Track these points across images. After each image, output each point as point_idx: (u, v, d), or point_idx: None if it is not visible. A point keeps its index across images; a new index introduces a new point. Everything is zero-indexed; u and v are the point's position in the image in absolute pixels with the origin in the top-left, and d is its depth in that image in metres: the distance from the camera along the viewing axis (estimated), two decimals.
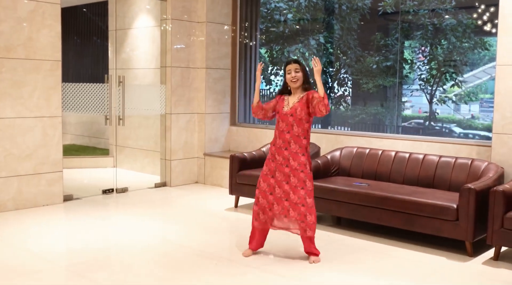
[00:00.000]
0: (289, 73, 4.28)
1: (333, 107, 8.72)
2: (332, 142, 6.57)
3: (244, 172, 6.11)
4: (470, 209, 4.43)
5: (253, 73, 7.94)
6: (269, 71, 9.34)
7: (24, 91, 5.84)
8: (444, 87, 8.06)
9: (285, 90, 4.40)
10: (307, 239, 4.32)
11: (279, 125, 4.30)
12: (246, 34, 7.81)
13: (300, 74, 4.27)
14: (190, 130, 7.61)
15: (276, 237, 4.86)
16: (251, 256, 4.43)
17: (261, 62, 4.46)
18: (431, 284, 4.00)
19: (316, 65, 4.15)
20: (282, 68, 4.39)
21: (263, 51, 9.35)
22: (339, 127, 8.48)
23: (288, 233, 4.77)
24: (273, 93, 9.41)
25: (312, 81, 4.61)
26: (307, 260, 4.36)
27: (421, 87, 8.24)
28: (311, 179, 4.28)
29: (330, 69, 8.66)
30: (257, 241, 4.48)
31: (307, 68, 4.41)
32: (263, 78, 9.28)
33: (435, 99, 8.10)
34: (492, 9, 6.74)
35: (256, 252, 4.51)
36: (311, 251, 4.36)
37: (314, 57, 4.21)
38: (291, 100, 4.30)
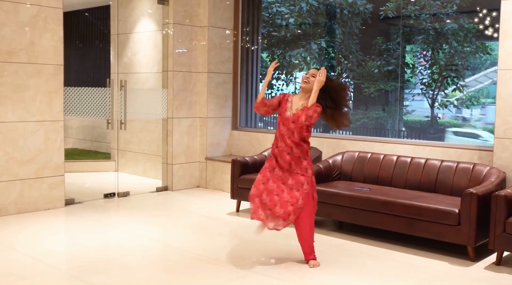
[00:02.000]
0: (306, 73, 4.31)
1: None
2: (333, 147, 6.57)
3: (245, 177, 6.11)
4: (472, 214, 4.43)
5: (255, 78, 7.95)
6: (272, 73, 9.34)
7: (26, 95, 5.86)
8: (446, 91, 8.07)
9: None
10: (304, 243, 4.32)
11: (281, 128, 4.29)
12: (247, 38, 7.82)
13: (314, 79, 4.23)
14: (192, 134, 7.62)
15: (276, 241, 4.85)
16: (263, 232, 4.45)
17: (276, 60, 4.47)
18: None
19: (320, 75, 4.12)
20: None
21: (264, 55, 9.36)
22: (340, 132, 8.47)
23: (288, 235, 4.77)
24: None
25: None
26: (308, 264, 4.35)
27: (423, 91, 8.24)
28: (310, 183, 4.27)
29: (332, 74, 8.66)
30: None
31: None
32: None
33: (436, 104, 8.10)
34: (493, 14, 6.75)
35: (257, 256, 4.49)
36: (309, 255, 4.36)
37: (323, 68, 4.17)
38: (295, 105, 4.27)
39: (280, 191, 4.25)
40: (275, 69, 9.53)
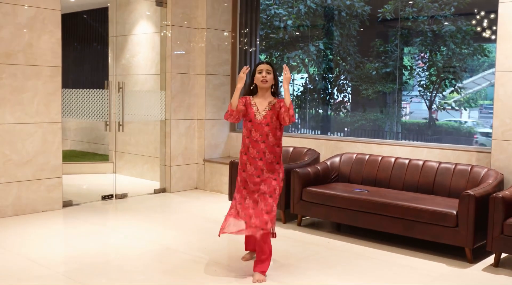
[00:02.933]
0: (259, 73, 4.10)
1: (332, 113, 8.73)
2: (331, 148, 6.57)
3: None
4: (470, 216, 4.43)
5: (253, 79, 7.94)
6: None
7: (24, 97, 5.85)
8: (444, 93, 8.08)
9: (249, 92, 4.21)
10: (260, 243, 4.07)
11: (252, 134, 4.08)
12: (246, 40, 7.83)
13: (271, 76, 4.10)
14: (190, 136, 7.61)
15: (274, 243, 4.84)
16: (250, 260, 4.40)
17: (247, 66, 4.35)
18: None
19: (286, 73, 4.01)
20: (252, 69, 4.24)
21: (262, 57, 9.37)
22: (338, 133, 8.48)
23: (286, 237, 4.76)
24: None
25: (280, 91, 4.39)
26: (306, 266, 4.35)
27: (421, 93, 8.25)
28: (281, 188, 4.15)
29: (330, 75, 8.67)
30: (249, 242, 4.43)
31: (277, 73, 4.25)
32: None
33: (434, 106, 8.11)
34: (491, 16, 6.76)
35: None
36: (259, 266, 4.10)
37: (285, 65, 4.09)
38: (261, 106, 4.10)
39: (255, 204, 4.06)
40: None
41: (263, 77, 4.09)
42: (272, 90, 4.16)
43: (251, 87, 4.20)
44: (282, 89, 4.10)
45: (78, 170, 8.59)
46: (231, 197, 6.23)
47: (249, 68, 4.20)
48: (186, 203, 6.84)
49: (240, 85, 4.10)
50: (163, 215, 6.38)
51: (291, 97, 7.19)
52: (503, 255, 4.55)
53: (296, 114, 8.42)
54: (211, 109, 7.62)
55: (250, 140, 4.09)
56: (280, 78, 4.30)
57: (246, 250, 4.50)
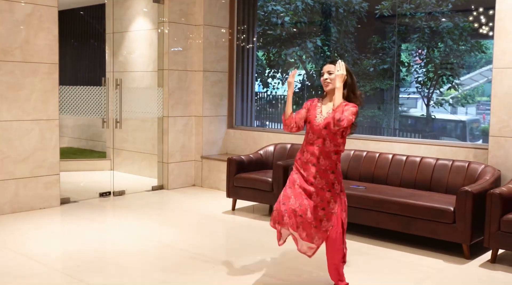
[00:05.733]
0: (322, 75, 3.75)
1: None
2: None
3: (241, 175, 6.11)
4: (467, 212, 4.44)
5: (250, 76, 7.95)
6: (266, 74, 9.35)
7: (21, 94, 5.84)
8: (441, 89, 8.08)
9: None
10: (332, 268, 3.79)
11: (309, 136, 3.75)
12: (243, 37, 7.82)
13: (334, 76, 3.69)
14: (188, 133, 7.61)
15: (273, 240, 4.85)
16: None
17: (295, 68, 4.02)
18: None
19: (338, 70, 3.61)
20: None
21: (260, 54, 9.36)
22: None
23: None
24: (270, 96, 9.43)
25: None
26: (304, 262, 4.35)
27: (418, 90, 8.26)
28: (338, 201, 3.71)
29: None
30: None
31: (350, 70, 3.75)
32: (261, 80, 9.29)
33: (432, 102, 8.12)
34: (488, 12, 6.76)
35: (253, 254, 4.50)
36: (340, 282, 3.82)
37: (340, 61, 3.65)
38: (325, 108, 3.73)
39: (305, 211, 3.66)
40: (269, 67, 9.57)
41: (324, 79, 3.73)
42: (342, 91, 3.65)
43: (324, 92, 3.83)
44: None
45: (76, 167, 8.58)
46: (229, 194, 6.23)
47: (296, 71, 3.86)
48: (183, 200, 6.85)
49: (290, 92, 3.79)
50: (160, 212, 6.38)
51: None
52: (500, 251, 4.56)
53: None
54: (209, 106, 7.62)
55: (306, 143, 3.76)
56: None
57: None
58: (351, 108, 3.57)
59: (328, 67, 3.73)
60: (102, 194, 6.90)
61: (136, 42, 8.30)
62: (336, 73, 3.62)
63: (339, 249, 3.71)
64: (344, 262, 3.80)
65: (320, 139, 3.68)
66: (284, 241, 3.84)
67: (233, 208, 6.28)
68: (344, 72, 3.60)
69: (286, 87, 9.85)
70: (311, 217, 3.66)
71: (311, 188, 3.70)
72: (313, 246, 3.75)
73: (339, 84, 3.59)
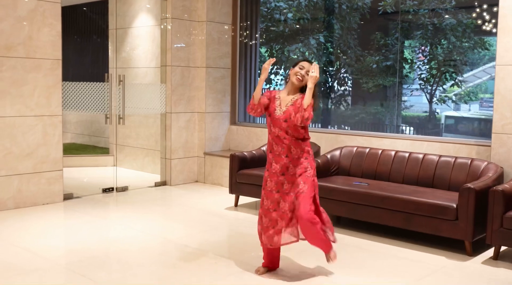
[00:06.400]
0: (300, 68, 3.85)
1: (332, 106, 8.73)
2: (332, 142, 6.57)
3: (244, 171, 6.12)
4: (470, 209, 4.44)
5: (253, 72, 7.95)
6: (269, 70, 9.34)
7: (24, 90, 5.85)
8: (444, 86, 8.07)
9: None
10: (312, 239, 3.90)
11: (272, 129, 3.88)
12: (246, 33, 7.81)
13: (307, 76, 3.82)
14: (190, 129, 7.62)
15: None
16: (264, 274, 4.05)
17: (274, 57, 4.14)
18: (431, 283, 4.00)
19: (313, 71, 3.73)
20: (294, 62, 3.98)
21: (263, 50, 9.35)
22: (339, 127, 8.48)
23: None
24: None
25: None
26: (305, 258, 4.36)
27: (421, 86, 8.25)
28: (309, 183, 3.84)
29: (330, 69, 8.66)
30: (268, 259, 4.07)
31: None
32: None
33: (435, 99, 8.11)
34: (492, 9, 6.74)
35: (255, 250, 4.51)
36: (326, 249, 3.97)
37: (315, 64, 3.80)
38: (284, 101, 3.88)
39: (276, 205, 3.87)
40: (272, 64, 9.53)
41: (301, 75, 3.84)
42: (303, 90, 3.85)
43: (286, 79, 3.98)
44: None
45: (79, 163, 8.60)
46: (231, 190, 6.24)
47: (274, 59, 4.00)
48: (186, 196, 6.86)
49: (263, 76, 3.85)
50: (163, 208, 6.40)
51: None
52: (503, 248, 4.57)
53: None
54: (212, 102, 7.62)
55: (272, 136, 3.89)
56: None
57: (262, 265, 4.13)
58: (306, 114, 3.72)
59: (306, 64, 3.87)
60: (105, 190, 6.92)
61: (139, 38, 8.30)
62: (311, 74, 3.74)
63: (313, 224, 3.79)
64: (326, 228, 3.92)
65: (283, 131, 3.83)
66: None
67: (236, 204, 6.29)
68: (318, 75, 3.75)
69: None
70: (284, 205, 3.84)
71: (282, 178, 3.86)
72: (294, 233, 3.88)
73: (311, 85, 3.72)
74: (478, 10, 7.01)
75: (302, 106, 3.73)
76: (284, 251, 4.54)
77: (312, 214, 3.80)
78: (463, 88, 8.03)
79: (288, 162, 3.85)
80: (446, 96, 8.15)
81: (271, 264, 4.08)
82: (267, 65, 3.87)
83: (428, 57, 8.20)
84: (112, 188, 6.98)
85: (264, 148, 6.64)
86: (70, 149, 9.26)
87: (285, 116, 3.81)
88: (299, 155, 3.86)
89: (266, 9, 8.82)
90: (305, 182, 3.83)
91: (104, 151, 9.23)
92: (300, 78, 3.85)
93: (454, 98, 8.29)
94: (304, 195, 3.81)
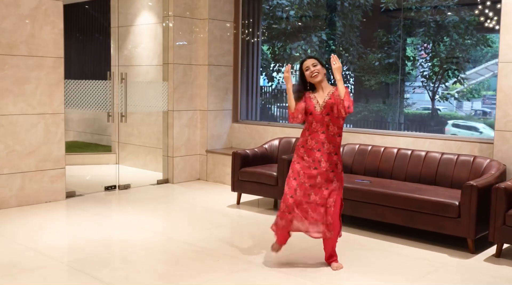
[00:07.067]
0: (307, 70, 4.02)
1: None
2: None
3: (246, 169, 6.12)
4: (472, 206, 4.44)
5: (255, 70, 7.94)
6: (271, 68, 9.34)
7: (26, 88, 5.86)
8: (447, 84, 8.06)
9: (304, 89, 4.11)
10: (328, 243, 4.12)
11: (312, 126, 4.02)
12: (248, 31, 7.81)
13: (319, 67, 4.00)
14: (193, 127, 7.62)
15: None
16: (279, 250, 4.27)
17: (289, 64, 4.26)
18: (433, 281, 4.00)
19: (335, 63, 3.89)
20: (298, 68, 4.13)
21: (265, 48, 9.35)
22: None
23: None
24: (275, 91, 9.41)
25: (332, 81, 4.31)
26: (308, 256, 4.36)
27: (423, 84, 8.24)
28: (340, 179, 4.06)
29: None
30: (282, 237, 4.23)
31: (324, 62, 4.11)
32: (266, 74, 9.28)
33: (437, 96, 8.10)
34: (494, 6, 6.73)
35: (258, 248, 4.51)
36: (331, 257, 4.19)
37: (333, 55, 3.94)
38: (320, 98, 4.02)
39: (307, 197, 4.02)
40: (274, 61, 9.55)
41: (311, 72, 4.01)
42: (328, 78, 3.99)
43: (307, 87, 4.11)
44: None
45: (81, 161, 8.62)
46: (233, 188, 6.24)
47: (290, 66, 4.14)
48: (188, 194, 6.86)
49: (289, 85, 4.05)
50: (166, 205, 6.40)
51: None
52: (505, 245, 4.56)
53: None
54: (214, 100, 7.62)
55: (310, 132, 4.03)
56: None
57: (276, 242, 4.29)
58: (346, 102, 3.87)
59: (309, 61, 4.04)
60: (108, 188, 6.93)
61: (141, 36, 8.30)
62: (334, 67, 3.88)
63: (336, 224, 4.04)
64: (339, 236, 4.15)
65: (324, 126, 3.98)
66: (285, 240, 4.22)
67: (238, 202, 6.29)
68: (340, 64, 3.90)
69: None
70: (315, 198, 4.00)
71: (315, 172, 4.00)
72: (320, 229, 4.02)
73: (339, 76, 3.88)
74: (480, 7, 7.00)
75: (339, 98, 3.87)
76: (286, 250, 4.55)
77: (339, 229, 4.11)
78: (465, 85, 8.02)
79: (320, 156, 3.99)
80: (448, 93, 8.14)
81: (284, 241, 4.25)
82: (287, 74, 4.05)
83: (430, 55, 8.19)
84: (115, 186, 6.99)
85: (266, 146, 6.64)
86: (73, 147, 9.27)
87: (327, 110, 3.97)
88: (330, 150, 4.01)
89: (268, 7, 8.81)
90: (338, 180, 4.05)
91: (106, 149, 9.24)
92: (316, 74, 4.00)
93: (456, 95, 8.28)
94: (336, 200, 4.03)
